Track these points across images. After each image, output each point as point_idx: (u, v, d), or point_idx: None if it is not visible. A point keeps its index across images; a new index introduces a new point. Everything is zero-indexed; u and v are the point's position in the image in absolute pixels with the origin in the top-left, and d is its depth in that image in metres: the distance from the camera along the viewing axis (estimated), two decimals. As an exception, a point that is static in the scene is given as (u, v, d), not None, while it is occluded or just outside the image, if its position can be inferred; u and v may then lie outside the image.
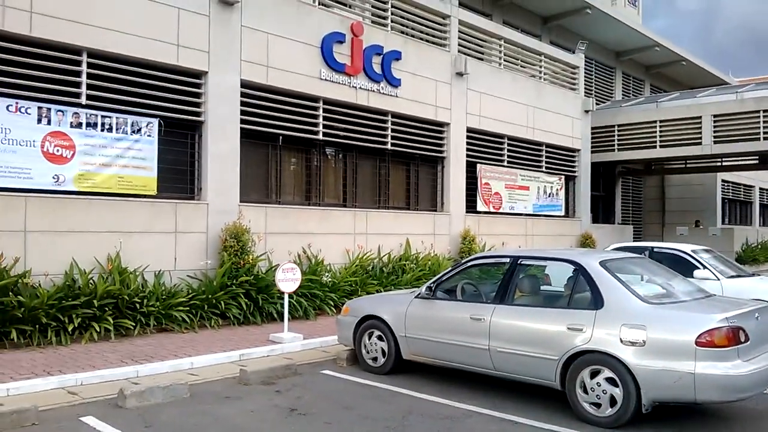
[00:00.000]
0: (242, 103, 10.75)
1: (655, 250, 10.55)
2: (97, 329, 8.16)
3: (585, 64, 20.63)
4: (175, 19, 9.86)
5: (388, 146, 13.50)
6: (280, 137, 11.59)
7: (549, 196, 18.44)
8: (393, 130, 13.56)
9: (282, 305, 8.95)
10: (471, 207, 15.68)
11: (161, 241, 9.65)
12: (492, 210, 16.43)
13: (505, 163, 16.86)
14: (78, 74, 8.94)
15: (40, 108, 8.59)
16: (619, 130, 21.68)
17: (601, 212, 24.16)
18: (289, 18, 11.52)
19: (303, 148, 12.19)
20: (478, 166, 15.96)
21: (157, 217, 9.64)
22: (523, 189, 17.45)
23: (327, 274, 11.39)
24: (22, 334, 7.65)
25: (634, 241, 22.46)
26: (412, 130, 14.02)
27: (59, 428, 5.21)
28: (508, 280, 6.40)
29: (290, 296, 9.33)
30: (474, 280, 7.19)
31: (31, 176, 8.50)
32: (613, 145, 21.78)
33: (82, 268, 8.63)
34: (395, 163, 14.06)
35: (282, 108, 11.43)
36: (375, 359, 7.25)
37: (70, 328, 7.92)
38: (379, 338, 7.21)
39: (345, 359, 7.66)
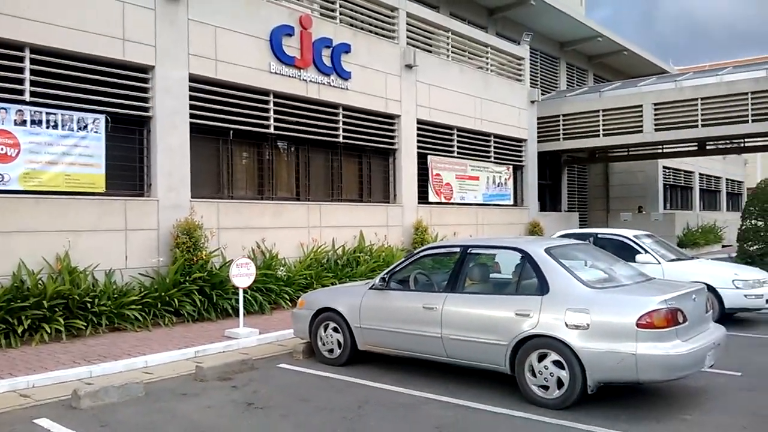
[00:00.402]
0: (191, 98, 10.65)
1: (599, 236, 10.94)
2: (48, 330, 8.02)
3: (530, 55, 21.10)
4: (120, 13, 9.68)
5: (340, 139, 13.57)
6: (231, 131, 11.53)
7: (498, 186, 18.83)
8: (344, 123, 13.63)
9: (237, 301, 8.96)
10: (423, 198, 15.91)
11: (111, 239, 9.51)
12: (443, 200, 16.69)
13: (455, 154, 17.14)
14: (21, 70, 8.71)
15: (-20, 106, 8.35)
16: (564, 120, 22.26)
17: (548, 200, 24.79)
18: (237, 11, 11.44)
19: (254, 142, 12.15)
20: (429, 157, 16.18)
21: (106, 215, 9.49)
22: (473, 179, 17.77)
23: (282, 268, 11.41)
24: (-31, 338, 7.48)
25: (579, 227, 23.17)
26: (364, 123, 14.11)
27: (12, 431, 5.16)
28: (458, 269, 6.59)
29: (245, 291, 9.36)
30: (426, 270, 7.36)
31: (-27, 176, 8.27)
32: (559, 135, 22.35)
33: (30, 269, 8.45)
34: (347, 156, 14.13)
35: (232, 102, 11.37)
36: (331, 351, 7.36)
37: (19, 330, 7.77)
38: (335, 330, 7.32)
39: (301, 352, 7.74)
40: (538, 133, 21.19)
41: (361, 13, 14.44)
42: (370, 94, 14.14)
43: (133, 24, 9.84)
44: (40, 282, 8.38)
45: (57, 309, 8.24)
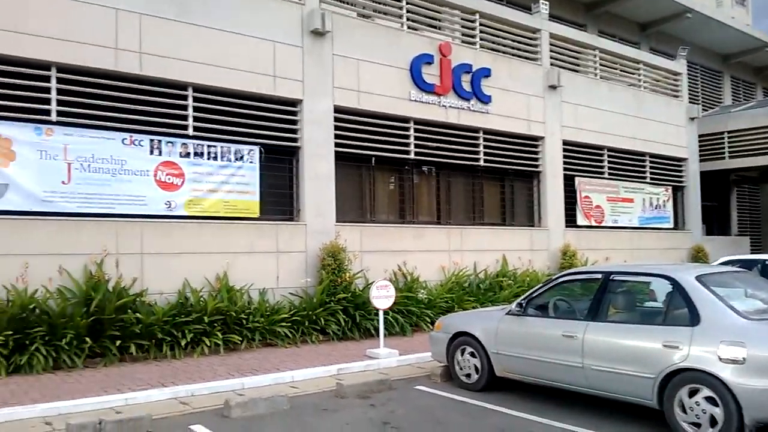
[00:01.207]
0: (336, 127, 11.19)
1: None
2: (208, 344, 8.73)
3: (689, 70, 19.74)
4: (271, 52, 10.45)
5: (481, 162, 13.52)
6: (373, 158, 11.93)
7: (655, 208, 17.68)
8: (485, 147, 13.58)
9: (378, 321, 9.17)
10: (571, 221, 15.34)
11: (264, 261, 10.18)
12: (593, 224, 15.97)
13: (606, 175, 16.37)
14: (185, 108, 9.68)
15: (152, 140, 9.38)
16: (729, 137, 20.44)
17: (716, 223, 22.78)
18: (378, 43, 11.89)
19: (396, 168, 12.47)
20: (577, 179, 15.60)
21: (260, 238, 10.19)
22: (626, 201, 16.85)
23: (422, 290, 11.52)
24: (140, 348, 8.32)
25: (751, 253, 21.01)
26: (505, 146, 13.97)
27: (171, 435, 5.65)
28: (600, 297, 6.27)
29: (386, 313, 9.55)
30: (566, 296, 7.08)
31: (146, 203, 9.27)
32: (724, 153, 20.54)
33: (193, 287, 9.27)
34: (489, 179, 14.04)
35: (374, 130, 11.78)
36: (468, 375, 7.28)
37: (183, 343, 8.52)
38: (472, 354, 7.24)
39: (439, 375, 7.73)
40: (701, 151, 19.66)
41: (502, 37, 14.38)
42: (512, 117, 13.99)
43: (282, 61, 10.57)
44: (201, 299, 9.15)
45: (216, 324, 8.94)
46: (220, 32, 9.93)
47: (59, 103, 8.66)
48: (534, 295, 6.94)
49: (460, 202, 13.57)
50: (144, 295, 8.76)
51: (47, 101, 8.58)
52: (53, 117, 8.60)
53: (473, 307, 11.43)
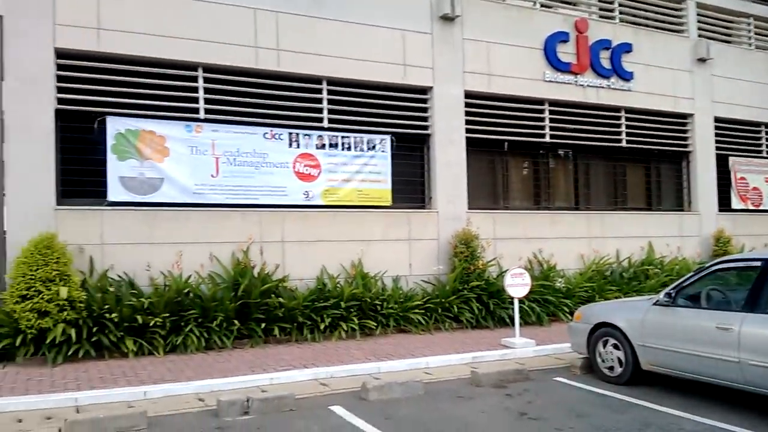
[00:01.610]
0: (466, 113, 11.05)
1: None
2: (345, 328, 9.00)
3: None
4: (400, 41, 10.51)
5: (623, 144, 12.79)
6: (506, 143, 11.66)
7: (824, 189, 15.78)
8: (627, 126, 12.82)
9: (513, 310, 8.97)
10: (724, 205, 14.11)
11: (396, 248, 10.30)
12: (750, 207, 14.59)
13: (764, 155, 14.88)
14: (320, 101, 9.98)
15: (290, 133, 9.78)
16: None
17: None
18: (509, 24, 11.57)
19: (530, 152, 12.11)
20: (731, 159, 14.31)
21: (392, 226, 10.32)
22: (789, 182, 15.20)
23: (560, 279, 11.12)
24: (283, 331, 8.73)
25: None
26: (649, 125, 13.10)
27: (313, 415, 5.85)
28: (760, 286, 5.69)
29: (522, 301, 9.33)
30: (720, 285, 6.50)
31: (286, 194, 9.70)
32: None
33: (330, 273, 9.59)
34: (631, 162, 13.26)
35: (506, 114, 11.50)
36: (611, 368, 6.91)
37: (321, 327, 8.85)
38: (615, 347, 6.87)
39: (579, 367, 7.42)
40: None
41: (644, 10, 13.46)
42: (656, 94, 13.07)
43: (412, 49, 10.59)
44: (338, 285, 9.44)
45: (352, 310, 9.19)
46: (351, 24, 10.13)
47: (206, 101, 9.26)
48: (685, 284, 6.44)
49: (600, 187, 12.94)
50: (286, 281, 9.18)
51: (195, 100, 9.20)
52: (201, 115, 9.21)
53: (616, 297, 10.88)
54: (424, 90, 10.81)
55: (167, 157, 8.97)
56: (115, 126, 8.70)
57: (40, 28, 8.28)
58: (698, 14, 14.04)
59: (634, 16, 13.38)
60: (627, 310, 7.00)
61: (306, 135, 9.89)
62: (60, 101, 8.42)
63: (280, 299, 8.79)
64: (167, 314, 8.07)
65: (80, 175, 8.64)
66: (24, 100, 8.17)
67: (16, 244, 7.85)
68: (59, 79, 8.43)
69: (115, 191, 8.65)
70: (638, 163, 13.40)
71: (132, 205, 8.75)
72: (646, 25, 13.44)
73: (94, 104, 8.63)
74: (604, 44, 12.45)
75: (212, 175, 9.24)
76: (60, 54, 8.43)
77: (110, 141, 8.66)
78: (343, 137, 10.16)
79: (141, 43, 8.78)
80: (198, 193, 9.13)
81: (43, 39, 8.29)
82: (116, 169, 8.68)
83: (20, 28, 8.20)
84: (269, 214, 9.48)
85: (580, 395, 6.48)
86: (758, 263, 5.95)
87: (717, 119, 13.97)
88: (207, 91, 9.26)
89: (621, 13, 13.04)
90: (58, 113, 8.43)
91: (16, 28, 8.20)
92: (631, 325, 6.70)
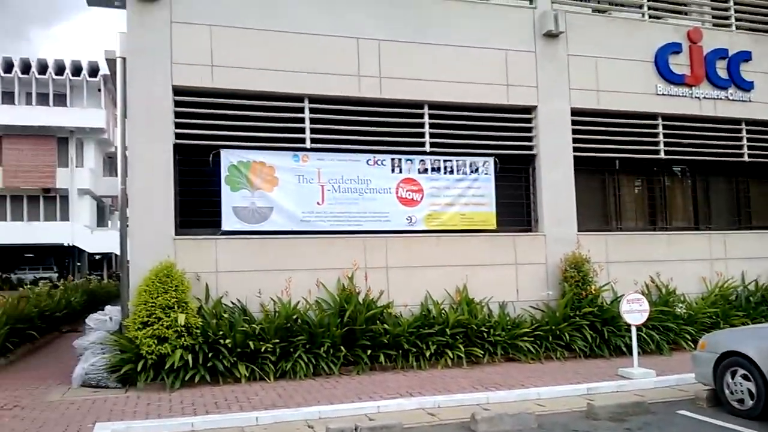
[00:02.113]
0: (573, 131, 10.69)
1: None
2: (450, 356, 8.85)
3: None
4: (502, 61, 10.35)
5: (745, 158, 11.90)
6: (617, 161, 11.18)
7: None
8: (749, 140, 11.93)
9: (630, 338, 8.48)
10: None
11: (502, 273, 10.04)
12: None
13: None
14: (421, 125, 9.99)
15: (392, 159, 9.85)
16: None
17: None
18: (616, 38, 11.12)
19: (643, 170, 11.54)
20: None
21: (497, 250, 10.09)
22: None
23: (680, 304, 10.41)
24: (388, 358, 8.71)
25: None
26: (775, 137, 12.15)
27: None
28: None
29: (639, 329, 8.82)
30: None
31: (389, 219, 9.73)
32: None
33: (434, 299, 9.48)
34: (756, 177, 12.33)
35: (616, 131, 11.02)
36: (740, 401, 6.36)
37: (427, 354, 8.75)
38: (744, 377, 6.32)
39: (704, 399, 6.88)
40: None
41: (764, 14, 12.54)
42: (782, 103, 12.10)
43: (515, 68, 10.40)
44: (443, 311, 9.31)
45: (458, 337, 9.02)
46: (451, 47, 10.09)
47: (312, 131, 9.50)
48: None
49: (721, 204, 12.10)
50: (390, 307, 9.17)
51: (302, 130, 9.47)
52: (307, 144, 9.46)
53: (743, 323, 10.12)
54: (528, 109, 10.56)
55: (276, 187, 9.26)
56: (228, 158, 9.11)
57: (158, 67, 8.83)
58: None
59: (752, 22, 12.50)
60: (758, 337, 6.48)
61: (408, 160, 9.91)
62: (177, 136, 8.92)
63: (385, 326, 8.78)
64: (277, 340, 8.26)
65: (196, 206, 9.08)
66: (145, 136, 8.71)
67: (138, 272, 8.33)
68: (177, 115, 8.94)
69: (228, 221, 9.03)
70: (762, 178, 12.42)
71: (244, 233, 9.08)
72: (766, 31, 12.51)
73: (208, 138, 9.08)
74: (720, 54, 11.70)
75: (318, 203, 9.44)
76: (177, 91, 8.95)
77: (224, 173, 9.07)
78: (445, 161, 10.10)
79: (251, 77, 9.17)
80: (305, 221, 9.35)
81: (161, 78, 8.84)
82: (229, 199, 9.06)
83: (140, 68, 8.79)
84: (373, 240, 9.54)
85: (707, 431, 5.99)
86: None
87: None
88: (312, 120, 9.51)
89: (737, 20, 12.22)
90: (176, 147, 8.93)
91: (137, 68, 8.80)
92: (763, 354, 6.16)
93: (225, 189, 9.06)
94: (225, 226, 9.02)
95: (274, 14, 9.37)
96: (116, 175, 9.84)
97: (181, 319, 7.74)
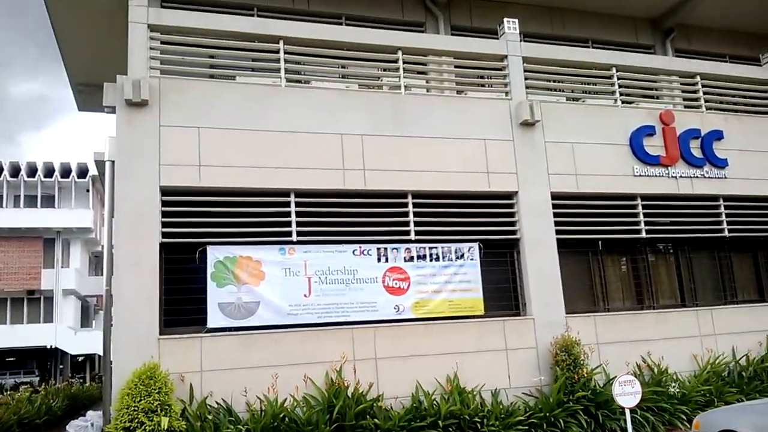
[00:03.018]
0: (555, 215, 10.87)
1: None
2: (444, 449, 8.58)
3: None
4: (482, 150, 10.66)
5: (725, 233, 12.11)
6: (600, 242, 11.31)
7: None
8: (727, 215, 12.18)
9: (625, 421, 8.32)
10: None
11: (493, 359, 9.93)
12: None
13: None
14: (406, 215, 10.15)
15: (378, 248, 9.93)
16: None
17: None
18: (591, 123, 11.54)
19: (626, 249, 11.68)
20: None
21: (486, 336, 10.01)
22: None
23: (673, 384, 10.28)
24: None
25: None
26: (752, 211, 12.40)
27: None
28: None
29: (633, 411, 8.68)
30: None
31: (377, 309, 9.70)
32: None
33: (425, 389, 9.30)
34: (737, 251, 12.49)
35: (597, 212, 11.23)
36: (743, 485, 6.21)
37: (420, 449, 8.48)
38: (744, 459, 6.20)
39: (707, 485, 6.70)
40: None
41: (731, 95, 13.12)
42: (755, 179, 12.43)
43: (495, 156, 10.70)
44: (434, 402, 9.11)
45: (451, 428, 8.79)
46: (432, 139, 10.41)
47: (298, 224, 9.61)
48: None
49: (706, 280, 12.19)
50: (380, 400, 8.98)
51: (288, 224, 9.58)
52: (294, 237, 9.54)
53: (737, 400, 10.01)
54: (510, 195, 10.79)
55: (263, 281, 9.26)
56: (214, 254, 9.15)
57: (146, 169, 9.01)
58: (791, 93, 13.51)
59: (721, 102, 13.06)
60: (753, 413, 6.46)
61: (394, 249, 10.00)
62: (164, 235, 8.99)
63: (375, 420, 8.57)
64: (262, 441, 8.02)
65: (182, 303, 9.03)
66: (132, 236, 8.78)
67: (121, 374, 8.17)
68: (164, 214, 9.04)
69: (214, 317, 8.96)
70: (744, 252, 12.61)
71: (230, 330, 9.00)
72: (735, 110, 13.05)
73: (195, 235, 9.16)
74: (693, 133, 12.13)
75: (305, 295, 9.42)
76: (164, 191, 9.09)
77: (210, 269, 9.08)
78: (430, 248, 10.20)
79: (238, 175, 9.37)
80: (292, 314, 9.29)
81: (149, 179, 9.00)
82: (215, 295, 9.03)
83: (129, 170, 8.97)
84: (361, 331, 9.46)
85: None
86: None
87: (828, 200, 13.03)
88: (298, 214, 9.64)
89: (707, 101, 12.75)
90: (162, 246, 8.97)
91: (125, 170, 8.98)
92: (759, 430, 6.08)
93: (211, 285, 9.04)
94: (211, 323, 8.93)
95: (260, 116, 9.70)
96: (102, 275, 9.84)
97: (164, 422, 7.53)
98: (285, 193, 9.63)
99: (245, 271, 9.22)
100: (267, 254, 9.39)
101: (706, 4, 13.88)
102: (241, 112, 9.62)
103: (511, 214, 10.76)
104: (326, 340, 9.26)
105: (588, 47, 13.68)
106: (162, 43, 9.70)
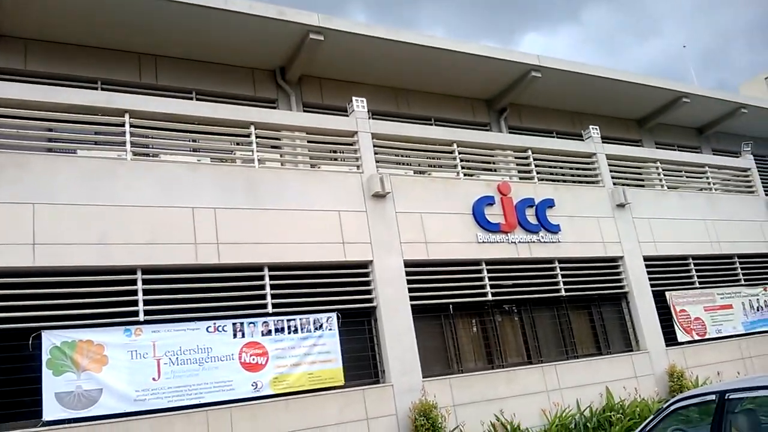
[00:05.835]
0: (408, 281, 11.24)
1: None
2: None
3: (757, 162, 19.12)
4: (337, 221, 10.89)
5: (563, 293, 13.15)
6: (451, 306, 11.81)
7: (758, 310, 16.42)
8: (564, 276, 13.26)
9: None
10: (670, 339, 14.36)
11: (355, 431, 9.85)
12: (696, 338, 14.90)
13: (697, 285, 15.52)
14: (262, 287, 10.01)
15: (234, 324, 9.63)
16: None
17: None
18: (437, 195, 12.22)
19: (476, 312, 12.26)
20: (668, 294, 14.83)
21: (347, 407, 9.94)
22: (725, 308, 15.75)
23: (526, 439, 10.78)
24: None
25: None
26: (585, 271, 13.61)
27: None
28: (719, 422, 5.67)
29: (490, 470, 8.91)
30: (684, 424, 6.44)
31: (233, 387, 9.32)
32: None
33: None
34: (574, 309, 13.57)
35: (446, 278, 11.77)
36: None
37: None
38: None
39: None
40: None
41: (559, 167, 14.57)
42: (585, 242, 13.73)
43: (349, 227, 10.96)
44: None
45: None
46: (287, 211, 10.48)
47: (145, 302, 9.11)
48: (647, 429, 6.36)
49: (548, 338, 13.05)
50: (239, 485, 8.54)
51: (135, 303, 9.06)
52: (141, 317, 9.02)
53: (585, 451, 10.60)
54: (365, 264, 11.03)
55: (105, 366, 8.60)
56: (50, 340, 8.40)
57: (-29, 250, 8.22)
58: (610, 164, 15.14)
59: (552, 173, 14.43)
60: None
61: (251, 323, 9.77)
62: (-9, 321, 8.15)
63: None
64: None
65: (14, 395, 8.14)
66: (-49, 325, 7.87)
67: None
68: (-9, 298, 8.23)
69: (50, 409, 8.13)
70: (580, 309, 13.71)
71: (69, 422, 8.20)
72: (564, 181, 14.46)
73: (28, 320, 8.38)
74: (528, 202, 13.23)
75: (154, 379, 8.86)
76: (-7, 273, 8.31)
77: (45, 356, 8.30)
78: (289, 320, 10.08)
79: (76, 253, 8.76)
80: (139, 400, 8.66)
81: (-26, 260, 8.20)
82: (52, 385, 8.23)
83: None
84: (216, 413, 9.01)
85: None
86: (713, 396, 5.96)
87: (646, 258, 14.63)
88: (146, 292, 9.16)
89: (538, 172, 14.03)
90: (-11, 334, 8.12)
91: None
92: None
93: (47, 374, 8.24)
94: (47, 416, 8.09)
95: (102, 191, 9.21)
96: None
97: None
98: (131, 270, 9.14)
99: (85, 356, 8.54)
100: (110, 337, 8.77)
101: (531, 90, 15.55)
102: (81, 187, 9.11)
103: (367, 283, 10.98)
104: (178, 425, 8.70)
105: (431, 124, 14.68)
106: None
